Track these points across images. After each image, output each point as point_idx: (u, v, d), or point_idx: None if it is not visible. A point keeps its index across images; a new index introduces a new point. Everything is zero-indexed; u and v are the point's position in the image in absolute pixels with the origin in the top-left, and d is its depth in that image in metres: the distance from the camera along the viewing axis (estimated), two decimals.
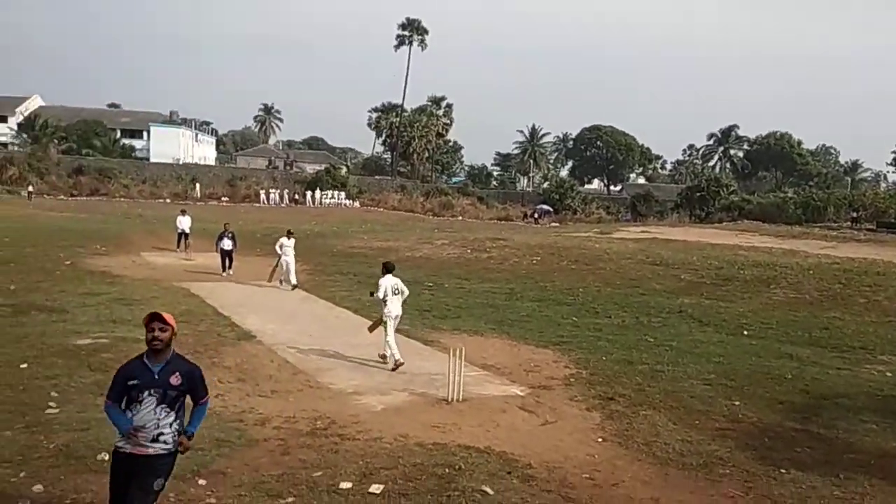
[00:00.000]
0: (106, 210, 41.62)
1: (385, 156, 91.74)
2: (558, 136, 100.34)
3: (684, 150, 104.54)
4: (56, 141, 62.39)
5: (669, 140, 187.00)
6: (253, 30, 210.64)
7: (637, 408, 8.73)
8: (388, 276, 10.49)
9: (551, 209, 59.50)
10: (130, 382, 4.42)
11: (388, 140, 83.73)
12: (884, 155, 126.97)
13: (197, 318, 12.96)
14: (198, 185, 58.35)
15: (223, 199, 56.95)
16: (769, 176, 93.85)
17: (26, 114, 69.71)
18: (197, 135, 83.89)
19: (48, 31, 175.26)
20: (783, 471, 6.89)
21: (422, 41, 78.76)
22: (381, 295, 10.26)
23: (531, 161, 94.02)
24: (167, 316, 4.59)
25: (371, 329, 10.92)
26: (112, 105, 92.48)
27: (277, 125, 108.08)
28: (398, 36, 78.79)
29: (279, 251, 17.82)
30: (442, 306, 15.69)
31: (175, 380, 4.47)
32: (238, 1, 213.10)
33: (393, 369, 10.01)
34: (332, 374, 9.70)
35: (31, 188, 48.65)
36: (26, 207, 38.96)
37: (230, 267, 19.73)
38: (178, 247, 24.25)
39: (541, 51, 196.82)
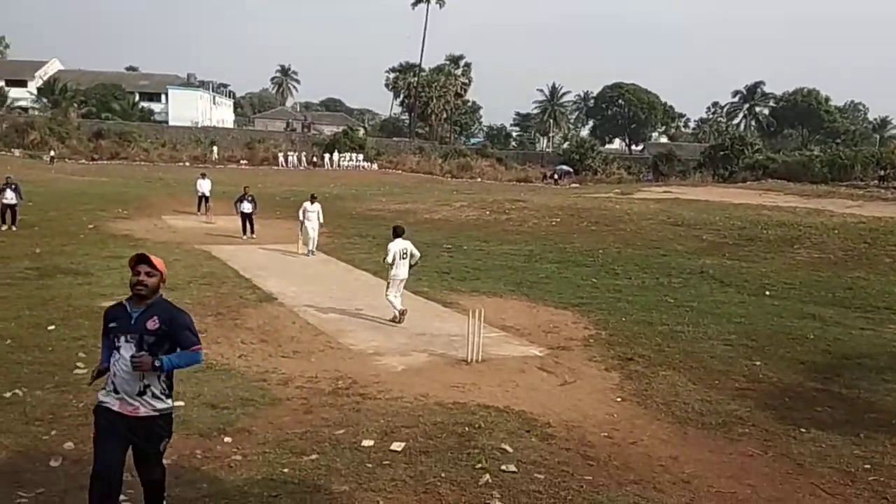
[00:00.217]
0: (126, 174, 41.94)
1: (403, 117, 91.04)
2: (579, 95, 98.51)
3: (708, 108, 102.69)
4: (76, 105, 62.58)
5: (693, 98, 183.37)
6: None
7: (656, 368, 8.74)
8: (398, 240, 10.76)
9: (571, 170, 58.97)
10: (110, 325, 4.15)
11: (406, 101, 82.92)
12: None
13: (219, 280, 13.13)
14: (215, 148, 58.41)
15: (242, 161, 57.05)
16: (795, 134, 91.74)
17: (45, 78, 69.81)
18: (215, 97, 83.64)
19: None
20: (803, 430, 6.88)
21: None
22: (389, 259, 10.58)
23: (551, 121, 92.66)
24: (156, 260, 4.16)
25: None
26: (130, 68, 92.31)
27: (295, 87, 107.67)
28: None
29: (301, 217, 17.49)
30: (461, 268, 15.72)
31: (152, 323, 4.05)
32: None
33: (391, 320, 10.46)
34: (353, 336, 9.81)
35: (52, 153, 49.03)
36: (48, 171, 39.37)
37: (252, 231, 19.84)
38: (199, 210, 24.47)
39: (562, 7, 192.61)
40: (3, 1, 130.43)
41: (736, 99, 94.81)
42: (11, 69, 73.83)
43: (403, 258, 10.66)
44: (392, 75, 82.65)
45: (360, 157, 60.58)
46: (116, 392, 4.09)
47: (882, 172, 45.23)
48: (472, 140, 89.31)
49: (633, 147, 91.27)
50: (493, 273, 15.34)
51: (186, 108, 73.20)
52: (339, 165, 58.44)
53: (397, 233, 10.93)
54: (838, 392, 8.10)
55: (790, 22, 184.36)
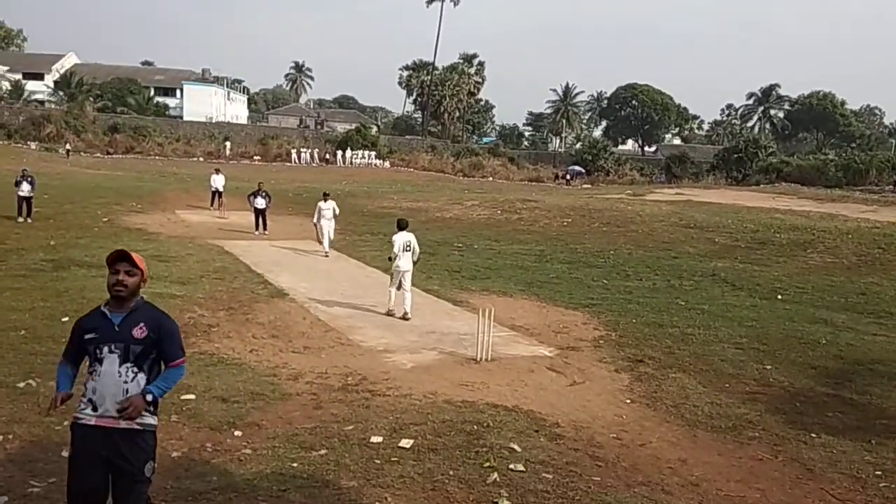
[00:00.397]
0: (141, 168, 42.24)
1: (416, 115, 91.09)
2: (592, 96, 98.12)
3: (722, 110, 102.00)
4: (92, 99, 63.09)
5: (707, 100, 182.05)
6: None
7: (666, 370, 8.72)
8: (402, 233, 11.02)
9: (583, 170, 58.77)
10: (88, 336, 3.71)
11: (419, 99, 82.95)
12: None
13: (231, 275, 13.21)
14: (228, 144, 58.66)
15: (255, 157, 57.31)
16: (810, 137, 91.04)
17: (62, 71, 70.42)
18: (229, 93, 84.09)
19: None
20: (813, 435, 6.85)
21: None
22: (396, 250, 10.83)
23: (564, 121, 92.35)
24: (136, 257, 3.78)
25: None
26: (146, 63, 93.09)
27: (308, 84, 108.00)
28: None
29: (315, 218, 16.79)
30: (471, 267, 15.73)
31: (139, 331, 3.66)
32: None
33: (385, 313, 10.71)
34: (363, 332, 9.84)
35: (68, 146, 49.40)
36: (64, 165, 39.70)
37: (265, 227, 19.89)
38: (212, 205, 24.60)
39: (576, 7, 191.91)
40: None
41: (750, 101, 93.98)
42: (28, 62, 74.52)
43: (406, 250, 10.92)
44: (405, 73, 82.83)
45: (373, 154, 60.64)
46: (95, 409, 3.65)
47: None
48: (485, 139, 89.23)
49: (646, 148, 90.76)
50: (504, 272, 15.34)
51: (201, 104, 73.64)
52: (351, 163, 58.54)
53: (401, 225, 11.26)
54: (850, 397, 8.05)
55: (802, 25, 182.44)
